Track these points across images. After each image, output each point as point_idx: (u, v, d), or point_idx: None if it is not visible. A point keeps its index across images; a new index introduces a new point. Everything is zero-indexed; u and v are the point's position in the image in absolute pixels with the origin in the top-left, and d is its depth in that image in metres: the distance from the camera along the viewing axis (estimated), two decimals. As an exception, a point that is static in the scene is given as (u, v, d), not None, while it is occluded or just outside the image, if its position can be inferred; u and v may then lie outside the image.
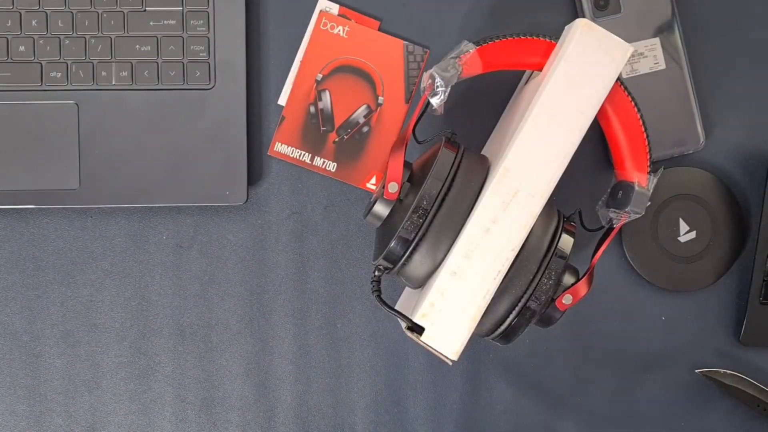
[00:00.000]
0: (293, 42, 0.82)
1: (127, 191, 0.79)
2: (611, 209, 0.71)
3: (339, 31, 0.79)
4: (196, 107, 0.79)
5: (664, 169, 0.79)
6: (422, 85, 0.68)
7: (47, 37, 0.79)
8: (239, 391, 0.82)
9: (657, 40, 0.79)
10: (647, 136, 0.70)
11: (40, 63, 0.79)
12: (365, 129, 0.80)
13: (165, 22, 0.80)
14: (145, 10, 0.80)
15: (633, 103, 0.70)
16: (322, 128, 0.80)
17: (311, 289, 0.82)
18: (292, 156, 0.80)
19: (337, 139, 0.80)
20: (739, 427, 0.82)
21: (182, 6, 0.79)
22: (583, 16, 0.80)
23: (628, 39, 0.79)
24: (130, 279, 0.82)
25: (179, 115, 0.79)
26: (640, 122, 0.70)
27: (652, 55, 0.79)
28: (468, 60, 0.68)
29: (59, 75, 0.79)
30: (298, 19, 0.82)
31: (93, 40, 0.79)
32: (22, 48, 0.79)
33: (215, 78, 0.80)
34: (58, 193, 0.79)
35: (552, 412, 0.82)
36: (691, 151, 0.80)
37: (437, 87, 0.67)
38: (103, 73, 0.79)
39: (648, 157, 0.70)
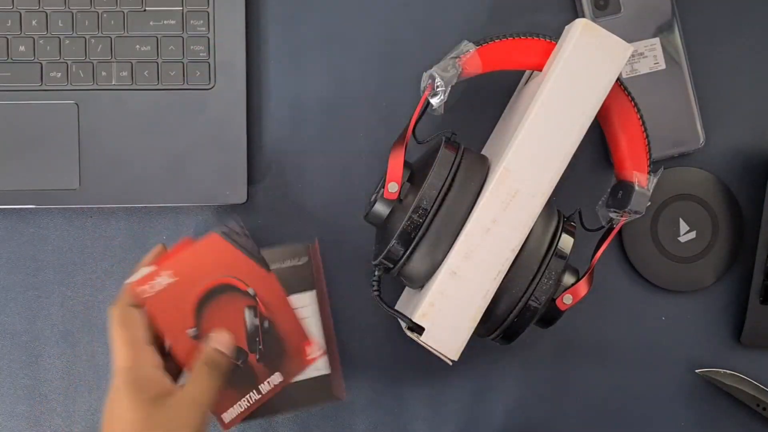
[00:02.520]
0: (293, 42, 0.82)
1: (127, 191, 0.79)
2: (611, 209, 0.71)
3: (160, 282, 0.68)
4: (196, 107, 0.79)
5: (664, 169, 0.79)
6: (422, 85, 0.68)
7: (47, 37, 0.79)
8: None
9: (657, 40, 0.79)
10: (647, 136, 0.70)
11: (40, 63, 0.79)
12: (266, 324, 0.71)
13: (165, 22, 0.80)
14: (145, 10, 0.79)
15: (633, 103, 0.70)
16: (239, 363, 0.71)
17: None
18: (243, 409, 0.72)
19: (258, 357, 0.72)
20: (739, 427, 0.82)
21: (182, 6, 0.79)
22: (583, 16, 0.80)
23: (628, 39, 0.79)
24: (130, 279, 0.82)
25: (179, 115, 0.79)
26: (640, 122, 0.70)
27: (652, 55, 0.79)
28: (468, 60, 0.68)
29: (59, 75, 0.79)
30: (298, 19, 0.82)
31: (93, 40, 0.79)
32: (22, 48, 0.79)
33: (215, 78, 0.80)
34: (58, 193, 0.79)
35: (552, 411, 0.82)
36: (691, 151, 0.80)
37: (437, 87, 0.67)
38: (103, 73, 0.79)
39: (648, 157, 0.70)
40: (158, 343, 0.68)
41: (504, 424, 0.82)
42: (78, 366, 0.82)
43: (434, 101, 0.67)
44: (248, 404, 0.72)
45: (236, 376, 0.71)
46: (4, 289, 0.82)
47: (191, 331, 0.70)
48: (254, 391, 0.72)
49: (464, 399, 0.82)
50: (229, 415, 0.72)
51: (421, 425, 0.82)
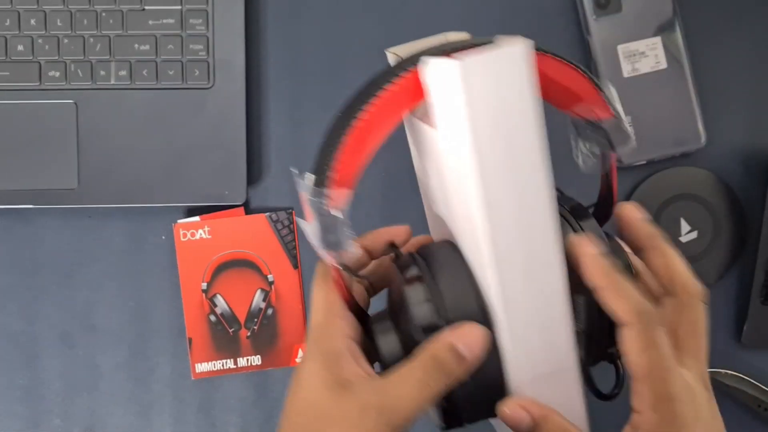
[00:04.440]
0: (293, 41, 0.82)
1: (126, 191, 0.79)
2: (591, 144, 0.57)
3: (200, 234, 0.79)
4: (195, 107, 0.79)
5: (665, 168, 0.79)
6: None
7: (46, 36, 0.79)
8: (238, 392, 0.81)
9: (658, 39, 0.79)
10: (594, 81, 0.56)
11: (39, 62, 0.79)
12: (269, 311, 0.79)
13: (164, 21, 0.79)
14: (143, 9, 0.79)
15: (559, 61, 0.55)
16: (231, 330, 0.80)
17: (311, 287, 0.81)
18: (215, 369, 0.79)
19: (249, 334, 0.79)
20: (739, 427, 0.82)
21: (181, 5, 0.79)
22: (584, 15, 0.79)
23: (629, 38, 0.79)
24: (128, 279, 0.81)
25: (178, 114, 0.79)
26: (578, 71, 0.55)
27: (653, 54, 0.79)
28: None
29: (58, 74, 0.79)
30: (298, 19, 0.82)
31: (92, 39, 0.79)
32: (20, 47, 0.79)
33: (214, 77, 0.79)
34: (57, 193, 0.79)
35: (553, 412, 0.82)
36: (692, 151, 0.80)
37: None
38: (102, 73, 0.79)
39: (604, 99, 0.56)
40: (360, 314, 0.54)
41: (504, 424, 0.82)
42: (76, 366, 0.81)
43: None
44: (221, 368, 0.79)
45: (224, 339, 0.79)
46: (1, 289, 0.81)
47: (203, 285, 0.79)
48: (232, 360, 0.79)
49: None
50: (201, 368, 0.79)
51: (420, 425, 0.82)
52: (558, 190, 0.57)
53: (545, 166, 0.50)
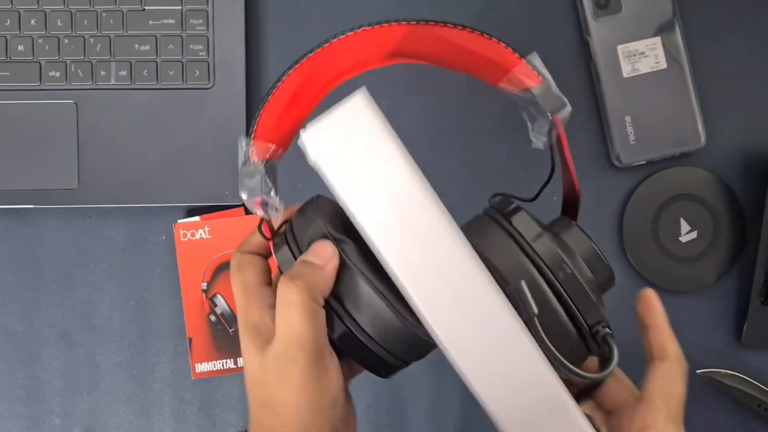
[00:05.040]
0: (293, 41, 0.82)
1: (126, 191, 0.79)
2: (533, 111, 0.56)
3: (200, 234, 0.79)
4: (195, 107, 0.79)
5: (665, 168, 0.79)
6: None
7: (46, 36, 0.79)
8: (238, 392, 0.81)
9: (658, 39, 0.79)
10: (514, 49, 0.55)
11: (39, 62, 0.79)
12: None
13: (164, 21, 0.79)
14: (144, 9, 0.79)
15: (477, 34, 0.55)
16: (231, 330, 0.80)
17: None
18: (215, 369, 0.79)
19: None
20: (739, 427, 0.82)
21: (181, 5, 0.79)
22: (584, 16, 0.79)
23: (629, 38, 0.79)
24: (129, 279, 0.82)
25: (178, 114, 0.79)
26: (497, 42, 0.55)
27: (653, 55, 0.79)
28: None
29: (58, 74, 0.79)
30: (298, 19, 0.82)
31: (92, 40, 0.79)
32: (21, 47, 0.79)
33: (214, 77, 0.80)
34: (57, 193, 0.79)
35: (552, 412, 0.82)
36: (692, 151, 0.80)
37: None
38: (102, 73, 0.79)
39: (513, 52, 0.55)
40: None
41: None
42: (77, 366, 0.81)
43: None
44: (221, 368, 0.79)
45: (224, 339, 0.79)
46: (2, 289, 0.81)
47: (203, 285, 0.79)
48: (231, 360, 0.79)
49: (464, 400, 0.82)
50: (201, 368, 0.80)
51: (420, 426, 0.82)
52: (507, 195, 0.56)
53: (427, 194, 0.49)
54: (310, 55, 0.55)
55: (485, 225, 0.54)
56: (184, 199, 0.79)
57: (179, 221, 0.79)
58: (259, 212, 0.56)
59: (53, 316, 0.81)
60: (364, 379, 0.82)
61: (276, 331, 0.52)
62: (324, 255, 0.53)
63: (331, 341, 0.53)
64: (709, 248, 0.81)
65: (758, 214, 0.80)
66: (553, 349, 0.51)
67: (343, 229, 0.54)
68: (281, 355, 0.52)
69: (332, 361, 0.53)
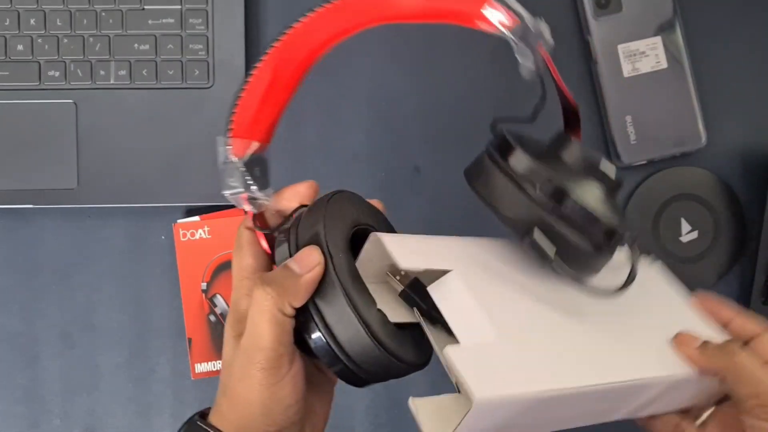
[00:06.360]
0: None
1: (126, 191, 0.79)
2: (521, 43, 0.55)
3: (200, 234, 0.79)
4: (194, 106, 0.79)
5: (665, 168, 0.79)
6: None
7: (45, 35, 0.79)
8: (238, 392, 0.81)
9: (658, 39, 0.79)
10: None
11: (39, 62, 0.79)
12: None
13: (163, 20, 0.79)
14: (143, 9, 0.79)
15: None
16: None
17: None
18: (215, 369, 0.79)
19: None
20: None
21: (181, 5, 0.79)
22: (584, 15, 0.79)
23: (630, 38, 0.79)
24: (128, 279, 0.81)
25: (178, 114, 0.79)
26: None
27: (653, 54, 0.79)
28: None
29: (57, 74, 0.79)
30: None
31: (91, 39, 0.79)
32: (20, 47, 0.79)
33: (214, 77, 0.79)
34: (56, 193, 0.79)
35: (553, 413, 0.82)
36: (692, 151, 0.80)
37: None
38: (102, 72, 0.79)
39: (502, 4, 0.55)
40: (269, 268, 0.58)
41: (504, 425, 0.81)
42: (76, 367, 0.81)
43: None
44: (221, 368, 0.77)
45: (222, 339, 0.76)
46: (1, 289, 0.81)
47: (203, 285, 0.79)
48: None
49: (465, 400, 0.82)
50: (201, 368, 0.79)
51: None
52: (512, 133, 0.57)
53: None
54: (275, 44, 0.56)
55: (489, 172, 0.56)
56: (183, 199, 0.79)
57: (179, 221, 0.79)
58: (247, 208, 0.56)
59: (53, 316, 0.81)
60: (364, 379, 0.82)
61: (246, 327, 0.53)
62: (307, 263, 0.52)
63: (305, 344, 0.53)
64: (710, 248, 0.81)
65: (758, 214, 0.80)
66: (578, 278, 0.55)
67: (346, 236, 0.54)
68: (245, 351, 0.53)
69: (291, 369, 0.53)
